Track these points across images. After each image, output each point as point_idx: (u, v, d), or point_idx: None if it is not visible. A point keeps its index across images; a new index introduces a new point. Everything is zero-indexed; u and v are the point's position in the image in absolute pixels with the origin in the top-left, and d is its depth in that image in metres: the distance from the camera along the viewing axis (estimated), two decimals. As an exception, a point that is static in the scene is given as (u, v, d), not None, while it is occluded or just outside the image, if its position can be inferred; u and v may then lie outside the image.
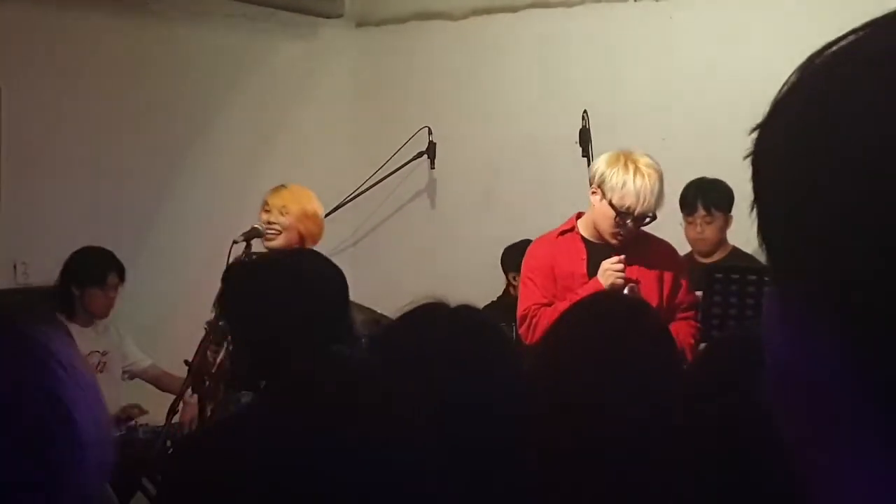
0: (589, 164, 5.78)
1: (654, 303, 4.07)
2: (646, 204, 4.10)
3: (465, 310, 2.07)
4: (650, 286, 4.17)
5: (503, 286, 6.25)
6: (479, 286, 6.39)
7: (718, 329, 4.26)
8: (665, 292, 4.22)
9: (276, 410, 1.48)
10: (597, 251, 4.23)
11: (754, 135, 0.66)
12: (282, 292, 2.44)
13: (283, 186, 4.86)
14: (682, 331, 4.13)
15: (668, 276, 4.25)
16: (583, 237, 4.31)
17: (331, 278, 2.57)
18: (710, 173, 5.44)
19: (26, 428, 0.90)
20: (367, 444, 1.40)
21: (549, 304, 4.25)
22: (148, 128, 6.30)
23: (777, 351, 0.64)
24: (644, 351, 2.15)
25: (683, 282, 4.32)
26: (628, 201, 4.10)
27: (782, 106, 0.64)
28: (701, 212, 5.30)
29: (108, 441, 0.98)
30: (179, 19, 6.41)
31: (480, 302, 6.24)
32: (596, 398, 2.07)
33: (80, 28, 6.05)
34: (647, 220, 4.17)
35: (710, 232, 5.30)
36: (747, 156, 0.66)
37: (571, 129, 5.93)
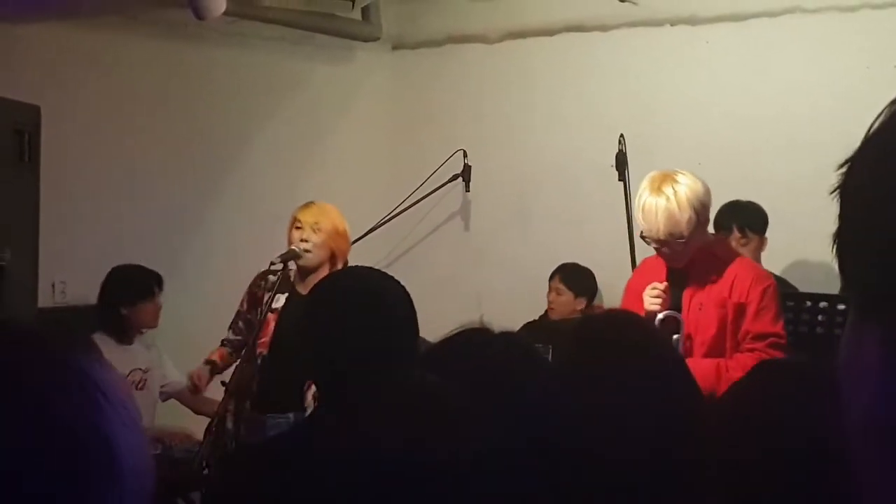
0: (625, 188, 5.78)
1: (712, 330, 3.96)
2: (654, 226, 4.00)
3: (508, 336, 2.07)
4: (711, 313, 4.02)
5: (539, 308, 6.23)
6: (514, 308, 6.38)
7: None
8: (729, 319, 4.03)
9: (341, 432, 1.49)
10: (677, 274, 4.14)
11: (843, 169, 0.64)
12: (366, 320, 2.42)
13: (311, 203, 4.88)
14: (738, 362, 3.91)
15: (732, 302, 4.04)
16: None
17: (408, 305, 2.57)
18: (746, 196, 5.42)
19: (70, 464, 0.88)
20: (441, 468, 1.40)
21: None
22: (184, 148, 6.35)
23: (866, 387, 0.62)
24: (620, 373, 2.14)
25: (751, 310, 4.04)
26: (641, 222, 4.06)
27: (874, 141, 0.63)
28: (736, 234, 5.28)
29: (148, 470, 0.96)
30: (218, 42, 6.46)
31: (515, 324, 6.25)
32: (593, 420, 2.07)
33: (118, 50, 6.12)
34: (679, 241, 4.01)
35: (745, 253, 5.26)
36: (834, 189, 0.64)
37: (607, 153, 5.93)
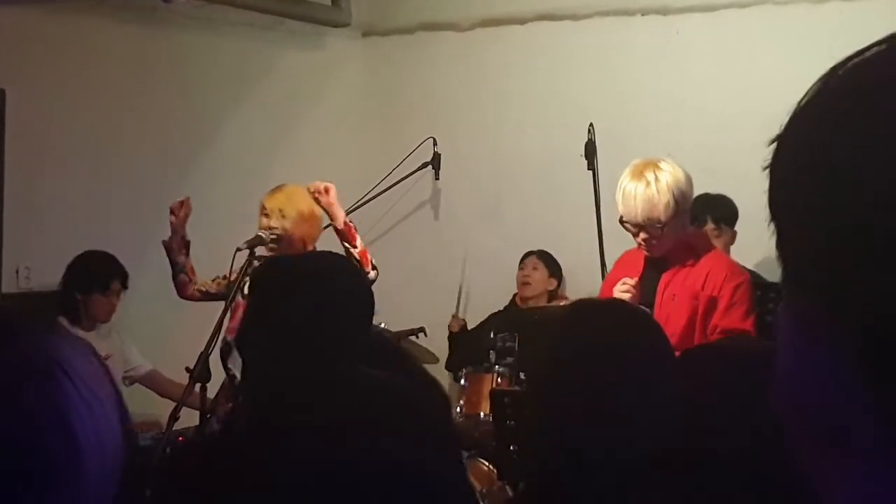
0: (594, 177, 5.77)
1: (682, 321, 3.93)
2: (632, 210, 3.99)
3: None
4: (683, 304, 4.00)
5: (507, 297, 6.24)
6: (483, 297, 6.38)
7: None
8: (699, 312, 4.00)
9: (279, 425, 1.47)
10: (654, 265, 4.14)
11: (772, 146, 0.63)
12: (317, 308, 2.36)
13: (279, 188, 4.86)
14: None
15: (704, 295, 4.02)
16: None
17: (363, 289, 2.53)
18: (716, 188, 5.42)
19: (22, 441, 0.83)
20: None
21: None
22: (152, 134, 6.30)
23: (787, 364, 0.62)
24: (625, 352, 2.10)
25: (722, 305, 4.02)
26: (620, 207, 4.06)
27: (802, 116, 0.62)
28: (710, 226, 5.27)
29: (115, 455, 0.92)
30: (187, 27, 6.41)
31: (484, 312, 6.25)
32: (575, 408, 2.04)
33: (86, 33, 6.05)
34: (656, 226, 4.00)
35: (718, 246, 5.26)
36: (766, 167, 0.63)
37: (577, 142, 5.92)
